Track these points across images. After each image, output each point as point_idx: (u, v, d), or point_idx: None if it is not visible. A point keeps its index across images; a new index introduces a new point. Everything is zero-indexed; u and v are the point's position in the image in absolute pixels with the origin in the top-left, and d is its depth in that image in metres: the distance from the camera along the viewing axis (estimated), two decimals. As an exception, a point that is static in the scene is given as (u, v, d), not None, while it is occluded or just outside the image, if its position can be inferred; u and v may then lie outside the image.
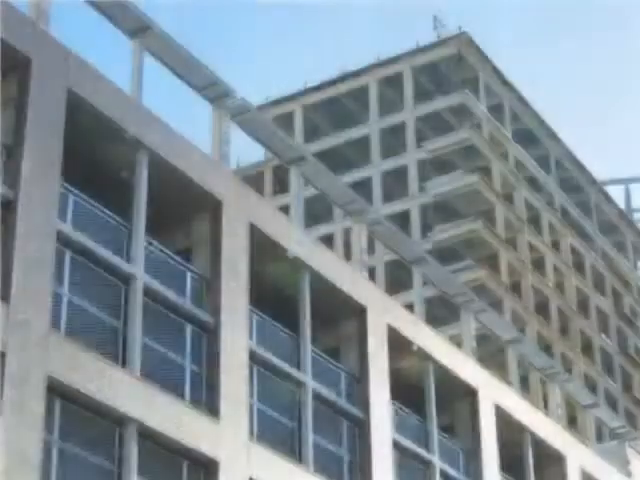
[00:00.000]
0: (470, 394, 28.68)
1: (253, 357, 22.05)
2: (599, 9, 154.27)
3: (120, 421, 18.69)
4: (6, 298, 17.21)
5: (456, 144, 63.72)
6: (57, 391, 17.73)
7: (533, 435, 30.93)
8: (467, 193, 62.43)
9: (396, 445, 25.56)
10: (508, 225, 64.37)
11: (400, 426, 26.18)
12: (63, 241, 18.76)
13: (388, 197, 63.73)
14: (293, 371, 23.19)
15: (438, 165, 63.90)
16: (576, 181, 76.79)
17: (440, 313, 53.09)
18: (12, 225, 17.73)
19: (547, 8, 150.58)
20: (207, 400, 20.67)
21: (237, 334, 21.45)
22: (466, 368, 28.70)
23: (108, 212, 20.05)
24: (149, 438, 19.12)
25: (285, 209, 41.36)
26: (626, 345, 74.89)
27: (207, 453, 19.97)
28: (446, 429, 28.17)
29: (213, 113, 23.70)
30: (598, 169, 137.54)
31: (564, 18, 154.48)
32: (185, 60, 22.75)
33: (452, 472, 27.61)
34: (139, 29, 21.79)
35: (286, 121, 66.48)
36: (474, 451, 28.38)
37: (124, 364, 19.17)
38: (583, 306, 70.93)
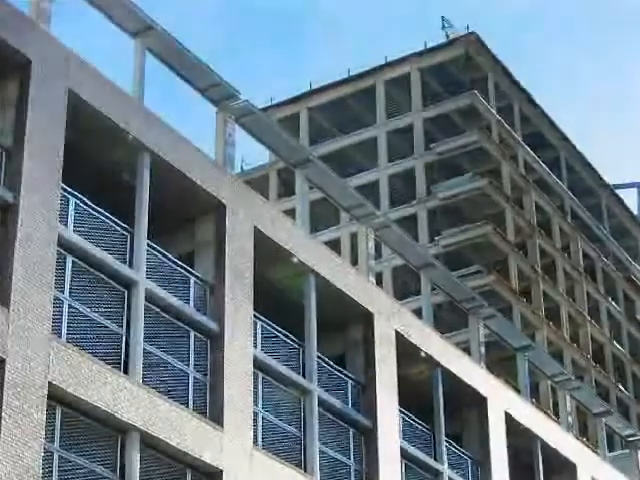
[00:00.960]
0: (479, 402, 28.39)
1: (257, 364, 21.74)
2: (608, 7, 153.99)
3: (122, 429, 18.44)
4: (6, 304, 16.97)
5: (465, 147, 63.36)
6: (58, 398, 17.49)
7: (543, 443, 30.63)
8: (476, 197, 62.06)
9: (404, 454, 25.25)
10: (518, 229, 63.97)
11: (408, 434, 25.87)
12: (64, 245, 18.50)
13: (395, 201, 63.40)
14: (298, 378, 22.88)
15: (446, 168, 63.51)
16: (587, 184, 76.34)
17: (449, 319, 52.71)
18: (12, 229, 17.47)
19: (553, 7, 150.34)
20: (211, 408, 20.40)
21: (241, 341, 21.14)
22: (475, 375, 28.39)
23: (110, 215, 19.74)
24: (151, 446, 18.92)
25: (290, 213, 41.02)
26: (638, 351, 74.33)
27: (211, 462, 19.73)
28: (455, 437, 27.89)
29: (217, 115, 23.41)
30: (609, 172, 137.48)
31: (573, 16, 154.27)
32: (188, 61, 22.46)
33: (461, 481, 27.27)
34: (141, 29, 21.55)
35: (291, 123, 66.19)
36: (483, 460, 28.15)
37: (126, 371, 18.91)
38: (594, 312, 70.42)
